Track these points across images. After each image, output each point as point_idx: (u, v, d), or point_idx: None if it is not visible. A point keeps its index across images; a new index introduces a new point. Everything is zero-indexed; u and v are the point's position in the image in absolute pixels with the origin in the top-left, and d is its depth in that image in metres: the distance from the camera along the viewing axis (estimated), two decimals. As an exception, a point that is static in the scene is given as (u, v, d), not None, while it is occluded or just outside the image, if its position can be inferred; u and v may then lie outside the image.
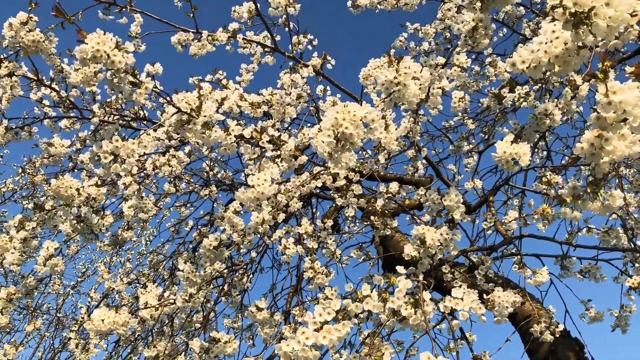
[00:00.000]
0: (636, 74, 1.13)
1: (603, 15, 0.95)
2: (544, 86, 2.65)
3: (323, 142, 1.24)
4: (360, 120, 1.26)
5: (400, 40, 3.59)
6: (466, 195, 3.44)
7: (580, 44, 1.04)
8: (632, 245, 2.19)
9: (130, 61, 1.37)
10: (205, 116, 1.55)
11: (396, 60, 1.39)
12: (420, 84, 1.53)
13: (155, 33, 2.56)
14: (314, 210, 3.86)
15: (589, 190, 1.17)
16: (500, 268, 2.77)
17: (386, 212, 2.68)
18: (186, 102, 1.55)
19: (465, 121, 3.76)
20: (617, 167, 2.98)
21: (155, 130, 2.51)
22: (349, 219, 2.87)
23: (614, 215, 2.70)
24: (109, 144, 1.52)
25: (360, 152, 2.92)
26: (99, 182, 2.29)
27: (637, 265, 2.19)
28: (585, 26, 0.98)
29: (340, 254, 2.69)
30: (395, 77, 1.37)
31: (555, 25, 1.04)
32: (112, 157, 1.53)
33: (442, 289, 2.80)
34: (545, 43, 1.06)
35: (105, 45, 1.32)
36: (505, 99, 2.04)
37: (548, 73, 2.48)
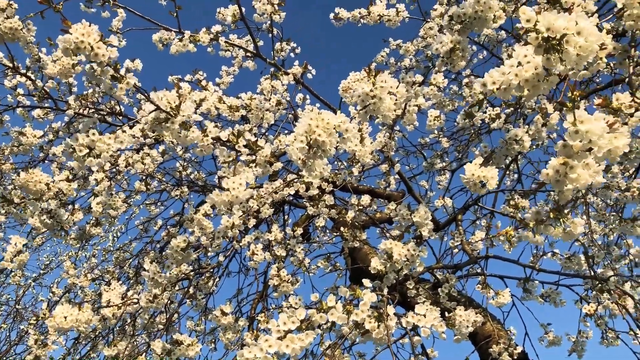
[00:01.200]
0: (603, 105, 1.17)
1: (574, 44, 0.98)
2: (519, 110, 2.70)
3: (296, 148, 1.25)
4: (334, 128, 1.27)
5: (382, 55, 3.62)
6: (436, 212, 3.48)
7: (550, 70, 1.07)
8: (592, 273, 2.24)
9: (114, 55, 1.36)
10: (183, 116, 1.55)
11: (373, 74, 1.42)
12: (396, 100, 1.55)
13: (137, 29, 2.55)
14: (286, 217, 3.86)
15: (552, 216, 1.20)
16: (465, 287, 2.81)
17: (356, 224, 2.69)
18: (166, 101, 1.54)
19: (440, 139, 3.81)
20: (585, 194, 3.05)
21: (131, 128, 2.49)
22: (319, 228, 2.88)
23: (578, 242, 2.76)
24: (85, 137, 1.50)
25: (335, 162, 2.94)
26: (70, 177, 2.26)
27: (594, 292, 2.24)
28: (556, 53, 1.00)
29: (309, 263, 2.69)
30: (371, 90, 1.39)
31: (527, 49, 1.07)
32: (87, 150, 1.51)
33: (406, 304, 2.82)
34: (516, 66, 1.09)
35: (90, 37, 1.30)
36: (475, 118, 2.08)
37: (523, 98, 2.54)
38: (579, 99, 1.05)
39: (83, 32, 1.25)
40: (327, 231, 3.07)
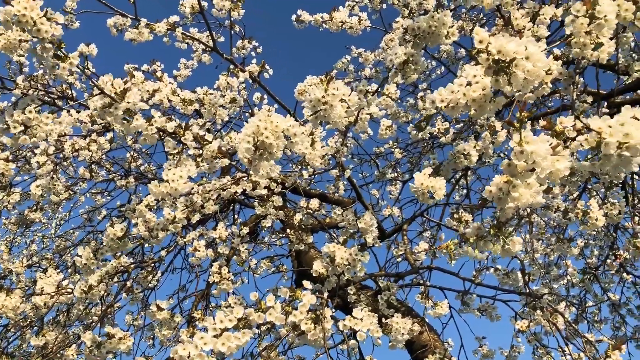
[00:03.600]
0: (547, 128, 1.21)
1: (522, 68, 1.01)
2: (471, 127, 2.76)
3: (243, 148, 1.24)
4: (282, 132, 1.26)
5: (343, 62, 3.63)
6: (385, 222, 3.51)
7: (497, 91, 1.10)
8: (528, 290, 2.30)
9: (58, 32, 1.32)
10: (128, 102, 1.51)
11: (326, 80, 1.42)
12: (348, 107, 1.56)
13: (91, 12, 2.48)
14: (236, 216, 3.82)
15: (492, 232, 1.22)
16: (407, 297, 2.84)
17: (303, 227, 2.69)
18: (111, 85, 1.50)
19: (394, 150, 3.86)
20: (530, 215, 3.13)
21: (78, 112, 2.43)
22: (265, 229, 2.86)
23: (518, 259, 2.84)
24: (20, 114, 1.44)
25: (290, 165, 2.93)
26: (10, 157, 2.18)
27: (527, 309, 2.31)
28: (504, 75, 1.03)
29: (256, 263, 2.67)
30: (323, 97, 1.39)
31: (476, 70, 1.09)
32: (23, 128, 1.46)
33: (347, 309, 2.83)
34: (465, 86, 1.11)
35: (33, 11, 1.26)
36: (423, 131, 2.12)
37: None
38: (526, 119, 1.08)
39: (25, 6, 1.21)
40: (276, 233, 3.05)
